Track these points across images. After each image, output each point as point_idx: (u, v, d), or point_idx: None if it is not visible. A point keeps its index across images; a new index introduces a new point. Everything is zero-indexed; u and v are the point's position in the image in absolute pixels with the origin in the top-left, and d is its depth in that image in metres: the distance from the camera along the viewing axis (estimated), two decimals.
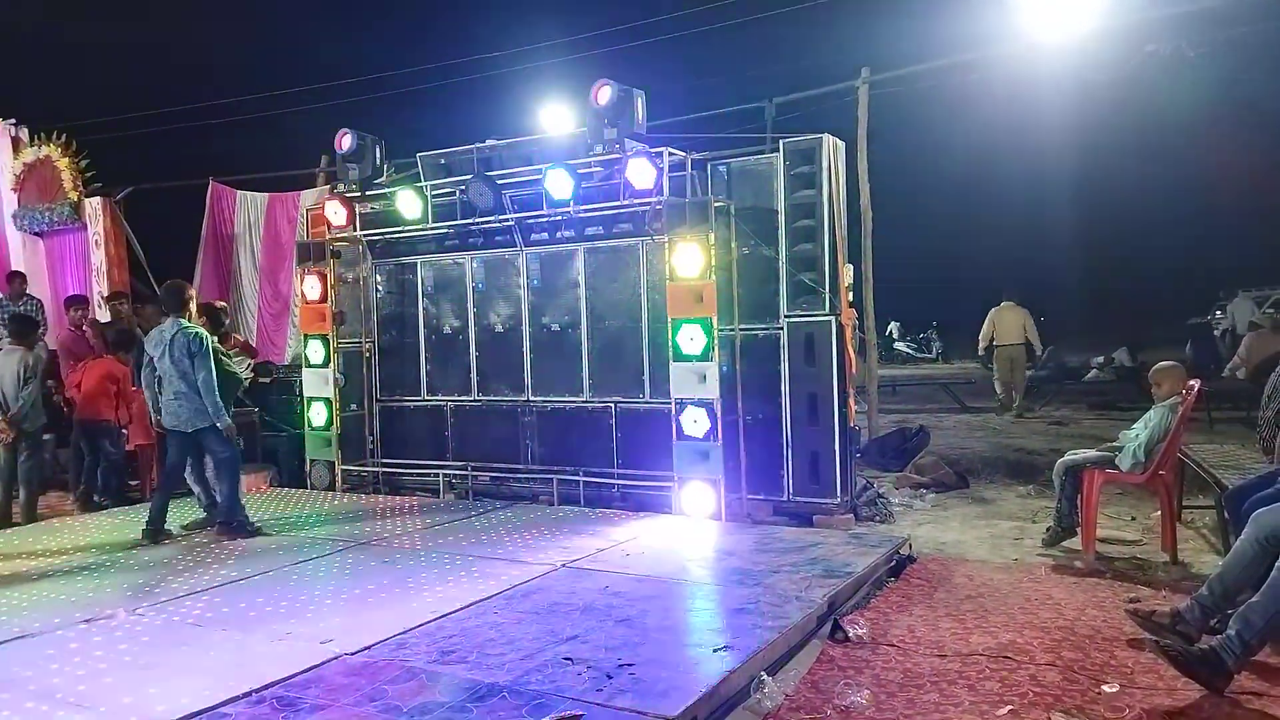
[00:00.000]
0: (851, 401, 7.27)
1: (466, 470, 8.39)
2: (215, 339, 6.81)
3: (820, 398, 7.06)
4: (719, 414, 6.83)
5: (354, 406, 8.86)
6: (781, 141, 7.17)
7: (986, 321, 13.91)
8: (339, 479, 8.62)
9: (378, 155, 8.50)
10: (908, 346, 26.61)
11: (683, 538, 6.31)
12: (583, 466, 7.83)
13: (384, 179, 8.56)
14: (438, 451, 8.66)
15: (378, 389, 9.04)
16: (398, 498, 8.26)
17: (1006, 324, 13.55)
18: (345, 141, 8.36)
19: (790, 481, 7.17)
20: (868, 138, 9.56)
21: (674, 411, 6.98)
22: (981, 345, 14.09)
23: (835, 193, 7.08)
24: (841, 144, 7.26)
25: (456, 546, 6.10)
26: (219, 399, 6.37)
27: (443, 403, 8.72)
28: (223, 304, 9.07)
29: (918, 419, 11.99)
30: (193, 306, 6.73)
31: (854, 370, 7.32)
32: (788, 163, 7.09)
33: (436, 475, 8.36)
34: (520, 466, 8.23)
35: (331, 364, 8.58)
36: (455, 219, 8.18)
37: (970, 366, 17.49)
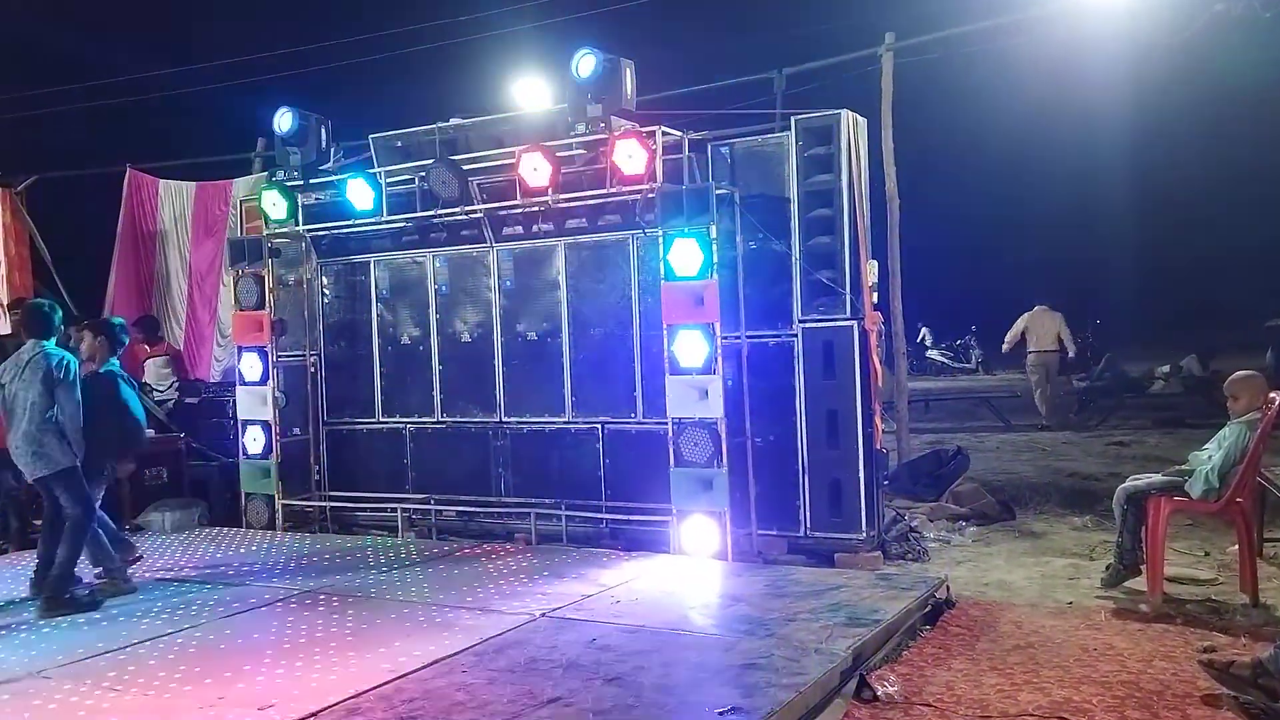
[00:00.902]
0: (878, 420, 7.31)
1: (429, 504, 8.46)
2: (145, 358, 6.57)
3: (841, 416, 7.11)
4: (723, 436, 6.87)
5: (296, 431, 8.93)
6: (794, 119, 7.25)
7: (1018, 324, 14.19)
8: (279, 516, 8.64)
9: (323, 137, 8.54)
10: (942, 355, 26.82)
11: (682, 581, 6.34)
12: (565, 499, 7.89)
13: (331, 165, 8.63)
14: (395, 483, 8.73)
15: (324, 410, 9.10)
16: (349, 537, 8.30)
17: (1040, 329, 13.87)
18: (285, 121, 8.42)
19: (807, 514, 7.23)
20: (893, 114, 9.64)
21: (671, 433, 7.02)
22: (1006, 346, 14.40)
23: (857, 177, 7.16)
24: (863, 121, 7.35)
25: (418, 593, 6.13)
26: (80, 438, 6.02)
27: (401, 425, 8.78)
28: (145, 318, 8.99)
29: (955, 440, 12.04)
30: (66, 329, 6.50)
31: (880, 383, 7.40)
32: (801, 143, 7.18)
33: (394, 510, 8.41)
34: (492, 499, 8.29)
35: (270, 381, 8.63)
36: (414, 211, 8.24)
37: (1015, 378, 17.61)
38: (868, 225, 7.38)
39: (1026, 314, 14.17)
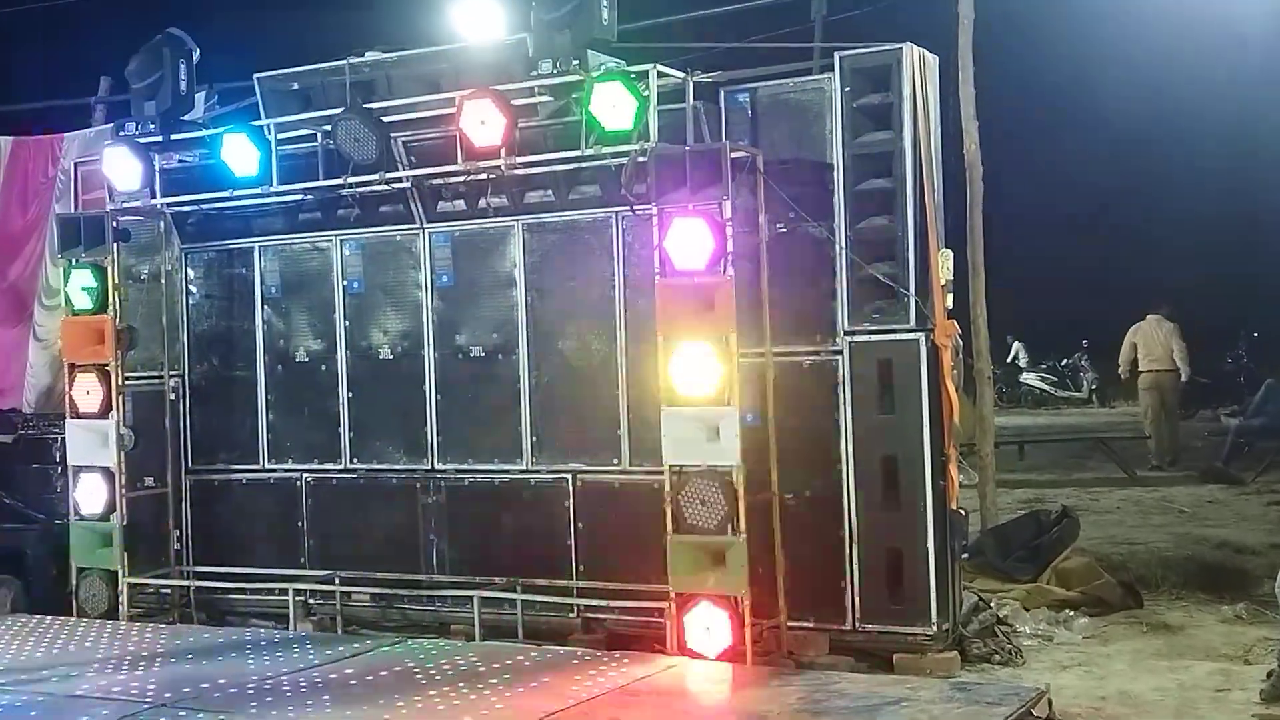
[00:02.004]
0: (953, 469, 7.37)
1: (333, 584, 8.45)
2: None
3: (903, 464, 7.20)
4: (740, 491, 6.89)
5: (150, 482, 8.98)
6: (838, 56, 7.37)
7: (1126, 341, 14.74)
8: (124, 599, 8.56)
9: (185, 77, 8.55)
10: (1042, 380, 26.91)
11: (683, 695, 6.34)
12: (522, 577, 7.89)
13: (201, 115, 8.81)
14: (286, 554, 8.74)
15: (189, 453, 9.12)
16: (220, 630, 8.24)
17: (1151, 343, 14.41)
18: (136, 59, 8.52)
19: (856, 599, 7.27)
20: (975, 50, 9.69)
21: (669, 487, 7.03)
22: (1122, 370, 15.01)
23: (925, 136, 7.24)
24: (934, 59, 7.48)
25: (316, 716, 6.08)
26: None
27: (294, 475, 8.81)
28: None
29: (1059, 497, 11.99)
30: None
31: (957, 418, 7.42)
32: (849, 89, 7.28)
33: (284, 593, 8.31)
34: (420, 578, 8.29)
35: (114, 413, 8.57)
36: (315, 179, 8.30)
37: (1139, 410, 17.63)
38: (939, 202, 7.44)
39: (1136, 325, 14.67)
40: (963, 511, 7.71)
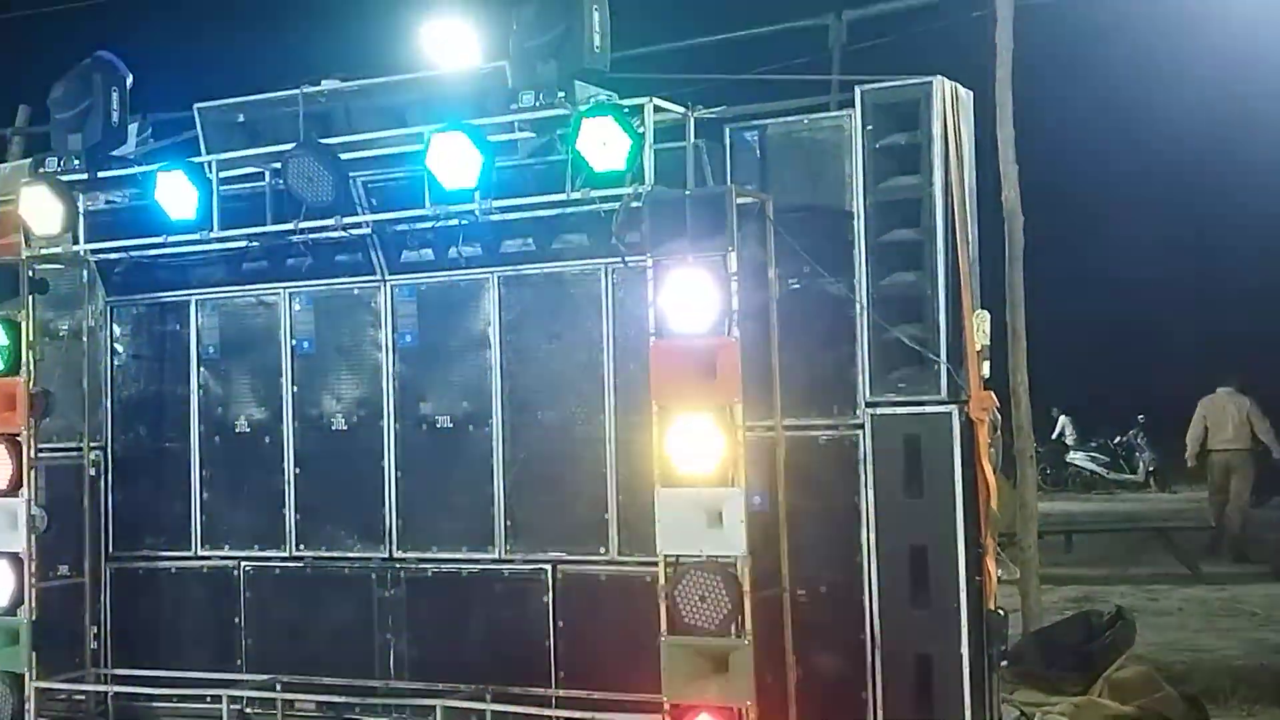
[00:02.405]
0: (991, 563, 7.36)
1: (274, 691, 8.30)
2: None
3: (933, 555, 7.20)
4: (747, 586, 6.86)
5: (64, 570, 8.91)
6: (859, 90, 7.39)
7: (1196, 417, 14.85)
8: (32, 706, 8.46)
9: (116, 106, 8.57)
10: (1092, 460, 26.89)
11: None
12: (494, 683, 7.86)
13: (132, 150, 8.73)
14: (221, 655, 8.68)
15: (111, 538, 9.08)
16: None
17: (1220, 418, 14.60)
18: (61, 85, 8.54)
19: (879, 712, 7.23)
20: (1013, 89, 9.78)
21: (664, 581, 7.00)
22: (1190, 452, 15.15)
23: (958, 181, 7.28)
24: (968, 95, 7.53)
25: None
26: None
27: (232, 563, 8.76)
28: None
29: (1113, 595, 12.00)
30: None
31: (994, 503, 7.42)
32: (871, 127, 7.31)
33: (218, 700, 8.28)
34: (376, 684, 8.25)
35: (24, 490, 8.50)
36: (262, 223, 8.31)
37: (1206, 496, 17.60)
38: (975, 256, 7.47)
39: (1205, 399, 14.85)
40: (1002, 611, 7.65)
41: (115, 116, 8.56)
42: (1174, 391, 18.06)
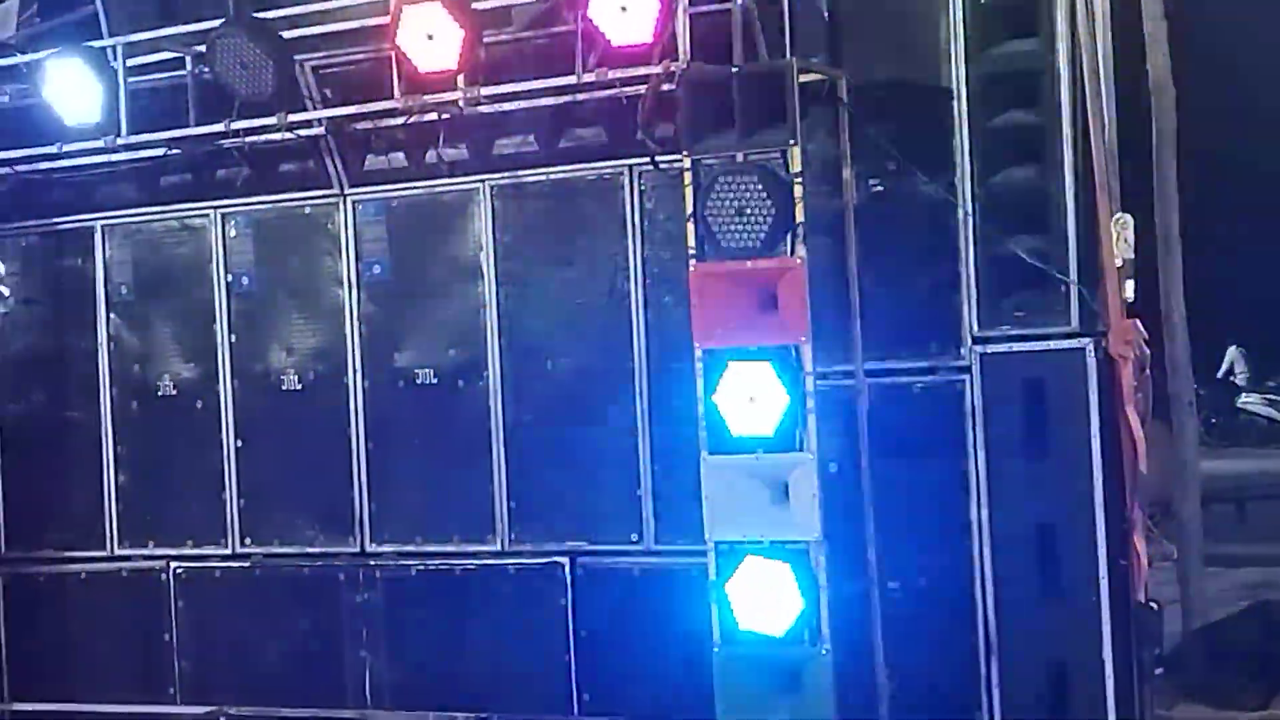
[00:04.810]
0: (1139, 542, 6.89)
1: None
2: None
3: (1065, 534, 6.76)
4: (821, 579, 6.38)
5: None
6: None
7: None
8: None
9: None
10: (1271, 406, 25.58)
11: None
12: (497, 712, 7.54)
13: (12, 34, 8.43)
14: (149, 681, 8.33)
15: (2, 534, 8.70)
16: None
17: None
18: None
19: None
20: None
21: (714, 574, 6.55)
22: None
23: (1089, 46, 6.79)
24: None
25: None
26: None
27: (158, 565, 8.34)
28: None
29: None
30: None
31: (1144, 464, 7.00)
32: None
33: None
34: (348, 715, 7.91)
35: None
36: (185, 125, 7.87)
37: None
38: (1113, 146, 7.01)
39: None
40: (1155, 605, 7.28)
41: None
42: None
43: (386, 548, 7.92)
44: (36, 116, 7.93)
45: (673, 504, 7.21)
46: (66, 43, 7.93)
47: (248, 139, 7.77)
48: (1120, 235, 6.95)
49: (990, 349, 6.80)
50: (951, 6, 6.86)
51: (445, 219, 7.82)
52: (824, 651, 6.35)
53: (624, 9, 6.60)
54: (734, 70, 6.54)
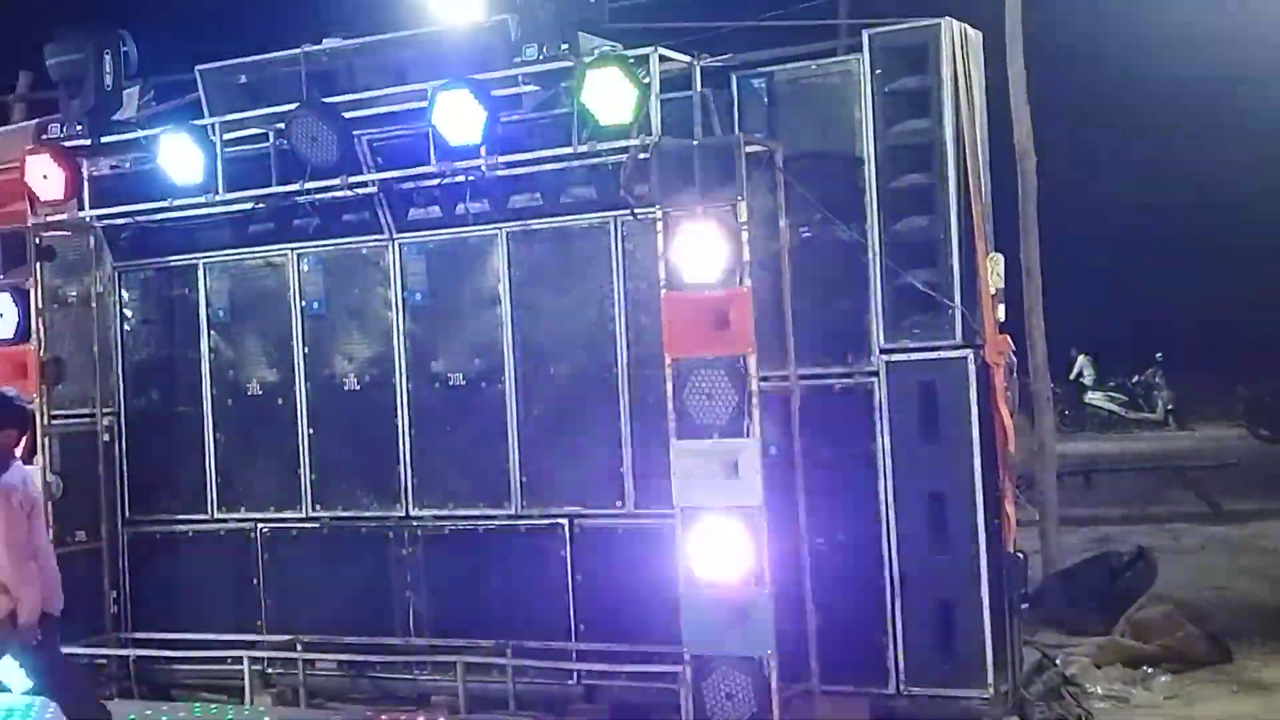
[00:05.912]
0: (1009, 506, 7.43)
1: (294, 651, 8.50)
2: None
3: (951, 500, 7.26)
4: (764, 536, 6.91)
5: (82, 536, 8.97)
6: (867, 34, 7.42)
7: None
8: None
9: (114, 70, 8.57)
10: (1110, 400, 26.72)
11: None
12: (512, 639, 7.94)
13: (134, 114, 8.75)
14: (241, 617, 8.78)
15: (126, 502, 9.17)
16: (165, 706, 8.27)
17: None
18: (59, 50, 8.55)
19: (900, 658, 7.30)
20: (1023, 26, 9.73)
21: (680, 533, 7.06)
22: None
23: (969, 124, 7.29)
24: (977, 36, 7.53)
25: None
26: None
27: (248, 526, 8.86)
28: None
29: (1133, 535, 11.99)
30: None
31: (1012, 446, 7.47)
32: (880, 72, 7.35)
33: (239, 662, 8.42)
34: (395, 641, 8.34)
35: (39, 457, 8.50)
36: (267, 185, 8.38)
37: (1227, 433, 17.57)
38: (987, 199, 7.49)
39: None
40: (1021, 554, 7.68)
41: (110, 80, 8.58)
42: (1191, 330, 17.99)
43: (426, 512, 8.39)
44: (153, 178, 8.47)
45: (648, 478, 7.63)
46: (176, 121, 8.49)
47: (317, 196, 8.27)
48: (993, 270, 7.41)
49: (893, 358, 7.31)
50: (863, 94, 7.32)
51: (471, 258, 8.30)
52: (766, 591, 6.83)
53: (610, 95, 7.03)
54: (695, 143, 7.12)
